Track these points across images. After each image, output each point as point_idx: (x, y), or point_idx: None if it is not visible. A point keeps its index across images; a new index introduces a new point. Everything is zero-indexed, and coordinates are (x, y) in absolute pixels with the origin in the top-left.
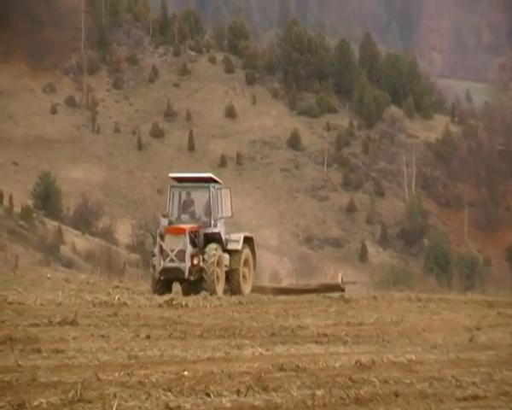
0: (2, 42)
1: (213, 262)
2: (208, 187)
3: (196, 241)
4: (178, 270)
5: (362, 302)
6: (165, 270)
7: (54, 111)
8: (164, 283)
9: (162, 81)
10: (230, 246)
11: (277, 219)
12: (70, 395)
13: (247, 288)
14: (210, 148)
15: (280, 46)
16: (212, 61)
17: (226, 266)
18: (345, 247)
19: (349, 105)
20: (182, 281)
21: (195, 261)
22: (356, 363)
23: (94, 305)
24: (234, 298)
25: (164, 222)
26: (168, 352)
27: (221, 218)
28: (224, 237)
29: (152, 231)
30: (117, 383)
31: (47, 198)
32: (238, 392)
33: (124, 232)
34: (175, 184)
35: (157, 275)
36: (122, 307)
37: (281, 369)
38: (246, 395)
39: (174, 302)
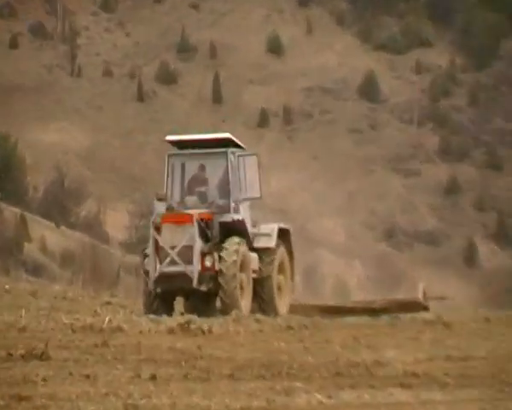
0: None
1: (235, 262)
2: (225, 154)
3: (209, 233)
4: (182, 276)
5: (469, 326)
6: (162, 277)
7: (14, 44)
8: (162, 297)
9: (174, 1)
10: (259, 242)
11: (344, 205)
12: None
13: (283, 305)
14: (244, 99)
15: None
16: None
17: (254, 271)
18: (444, 245)
19: (449, 36)
20: (188, 294)
21: (208, 263)
22: None
23: (74, 330)
24: (279, 320)
25: (160, 208)
26: (183, 400)
27: (245, 200)
28: (249, 228)
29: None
30: None
31: (5, 173)
32: None
33: (117, 224)
34: (176, 151)
35: (151, 285)
36: (115, 334)
37: None
38: None
39: (192, 326)
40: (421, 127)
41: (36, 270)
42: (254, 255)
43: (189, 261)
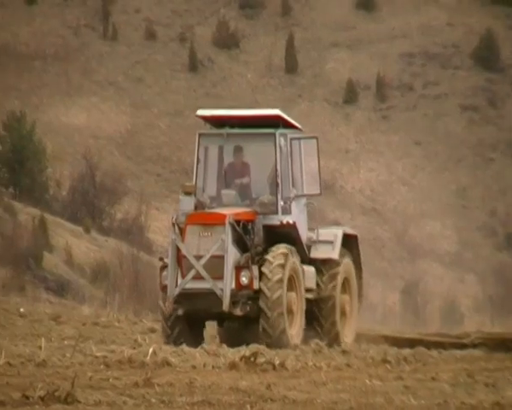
0: None
1: (281, 279)
2: (273, 136)
3: (249, 240)
4: (210, 296)
5: None
6: (184, 296)
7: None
8: (186, 321)
9: None
10: (318, 252)
11: (455, 203)
12: None
13: (348, 333)
14: (326, 67)
15: None
16: None
17: (309, 289)
18: None
19: None
20: (220, 318)
21: (244, 279)
22: None
23: (107, 366)
24: (372, 352)
25: (188, 204)
26: None
27: (299, 197)
28: (304, 233)
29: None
30: None
31: (19, 163)
32: None
33: (163, 228)
34: (209, 130)
35: (168, 307)
36: (161, 370)
37: None
38: None
39: (259, 360)
40: None
41: (59, 288)
42: (311, 269)
43: (220, 277)
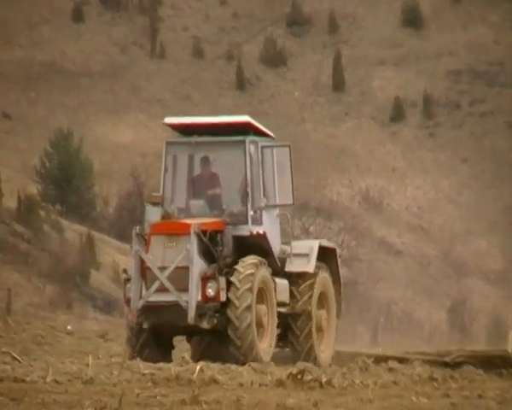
0: None
1: (250, 290)
2: (243, 144)
3: (215, 251)
4: (175, 308)
5: None
6: (148, 308)
7: (78, 17)
8: (153, 335)
9: None
10: (293, 266)
11: (501, 220)
12: None
13: (324, 350)
14: (373, 85)
15: None
16: None
17: (282, 303)
18: None
19: None
20: (186, 332)
21: (210, 290)
22: None
23: (155, 383)
24: (419, 369)
25: (154, 214)
26: None
27: (271, 206)
28: (277, 245)
29: None
30: None
31: (66, 181)
32: None
33: None
34: (177, 138)
35: (132, 320)
36: (208, 388)
37: None
38: None
39: (306, 377)
40: None
41: (106, 305)
42: (283, 282)
43: (185, 288)
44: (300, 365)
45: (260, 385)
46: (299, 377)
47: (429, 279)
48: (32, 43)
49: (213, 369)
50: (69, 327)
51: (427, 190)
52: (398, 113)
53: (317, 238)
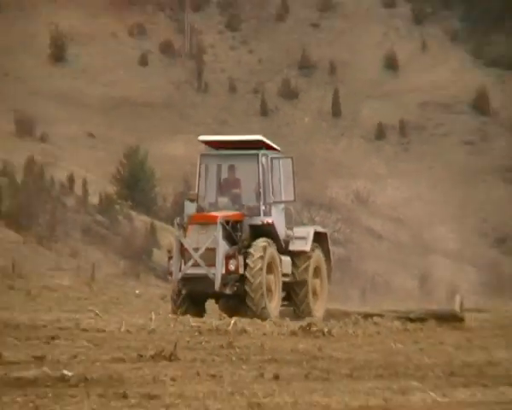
0: None
1: (261, 268)
2: (257, 156)
3: (236, 236)
4: (205, 279)
5: None
6: (185, 279)
7: (144, 62)
8: (189, 298)
9: (296, 20)
10: (294, 246)
11: (457, 213)
12: None
13: (318, 309)
14: (363, 113)
15: None
16: None
17: (286, 274)
18: None
19: None
20: (214, 296)
21: (232, 266)
22: None
23: (200, 333)
24: (396, 323)
25: (191, 209)
26: (304, 398)
27: (276, 202)
28: (283, 231)
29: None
30: None
31: (135, 183)
32: None
33: None
34: (209, 151)
35: (175, 286)
36: (240, 336)
37: None
38: None
39: (313, 329)
40: None
41: (165, 275)
42: (287, 259)
43: (212, 264)
44: (309, 319)
45: (278, 334)
46: (307, 328)
47: (404, 256)
48: (110, 82)
49: (244, 322)
50: (137, 291)
51: (403, 191)
52: (380, 133)
53: (313, 226)
